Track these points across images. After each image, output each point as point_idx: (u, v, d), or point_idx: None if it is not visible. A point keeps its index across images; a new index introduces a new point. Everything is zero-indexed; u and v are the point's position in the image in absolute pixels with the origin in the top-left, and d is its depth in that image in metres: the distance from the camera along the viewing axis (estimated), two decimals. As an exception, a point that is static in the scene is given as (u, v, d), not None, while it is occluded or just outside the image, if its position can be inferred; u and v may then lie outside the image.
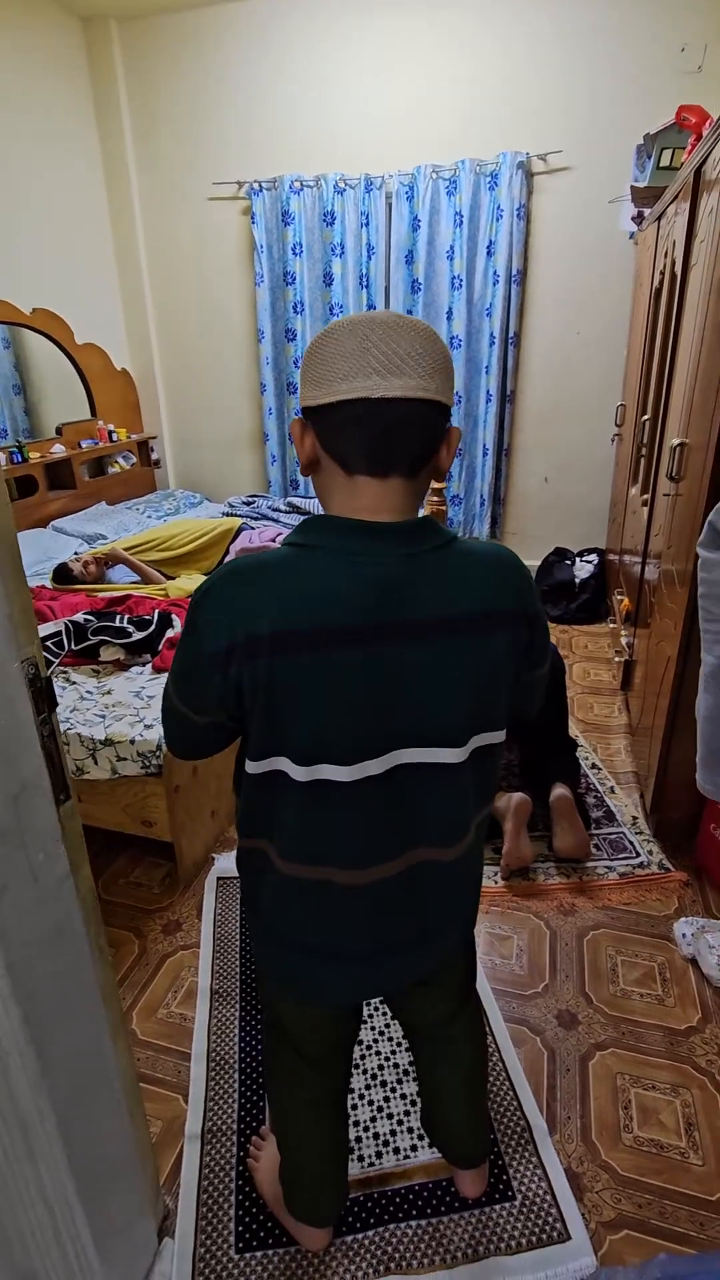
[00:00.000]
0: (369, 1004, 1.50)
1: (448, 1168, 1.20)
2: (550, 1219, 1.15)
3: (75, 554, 3.15)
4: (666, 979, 1.58)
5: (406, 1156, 1.25)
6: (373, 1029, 1.47)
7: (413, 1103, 1.33)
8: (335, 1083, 1.04)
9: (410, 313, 2.97)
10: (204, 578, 1.22)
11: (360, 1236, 1.14)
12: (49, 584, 2.83)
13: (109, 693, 1.96)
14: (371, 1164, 1.24)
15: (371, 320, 0.68)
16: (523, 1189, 1.20)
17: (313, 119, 3.47)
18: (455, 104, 3.29)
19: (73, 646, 2.12)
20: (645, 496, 2.39)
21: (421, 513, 0.77)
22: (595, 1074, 1.39)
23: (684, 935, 1.64)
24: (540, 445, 3.76)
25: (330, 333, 0.69)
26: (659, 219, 2.43)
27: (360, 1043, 1.44)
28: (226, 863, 1.93)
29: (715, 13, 2.87)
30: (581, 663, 3.10)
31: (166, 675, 0.83)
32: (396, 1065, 1.40)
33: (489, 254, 3.43)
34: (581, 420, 3.63)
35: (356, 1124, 1.30)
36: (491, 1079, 1.36)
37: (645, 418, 2.44)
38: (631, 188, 2.85)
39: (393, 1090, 1.36)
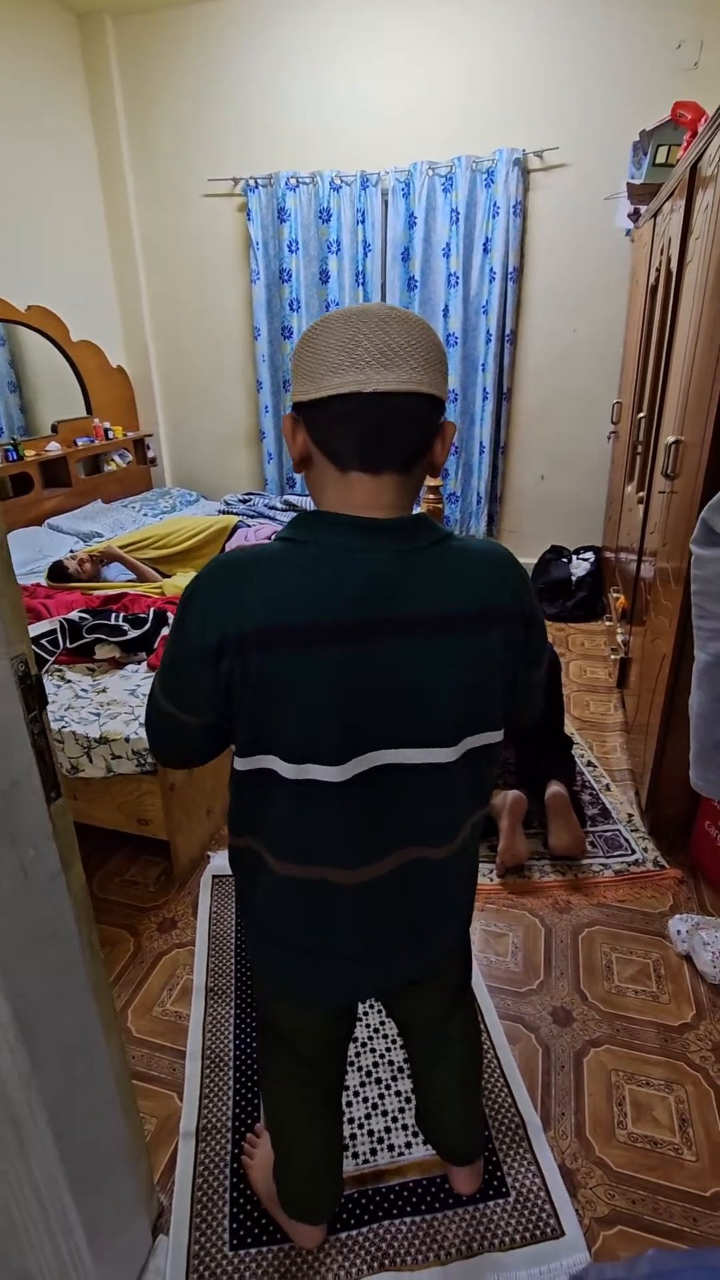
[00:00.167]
0: (364, 1002, 1.50)
1: (442, 1164, 1.21)
2: (544, 1215, 1.16)
3: (71, 552, 3.15)
4: (661, 976, 1.59)
5: (401, 1153, 1.25)
6: (367, 1026, 1.47)
7: (407, 1100, 1.33)
8: (330, 1081, 1.04)
9: (406, 310, 2.96)
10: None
11: (354, 1233, 1.14)
12: (44, 582, 2.82)
13: (104, 691, 1.95)
14: (366, 1161, 1.24)
15: (363, 312, 0.67)
16: (517, 1185, 1.20)
17: (308, 115, 3.46)
18: (451, 100, 3.29)
19: (68, 645, 2.12)
20: (641, 494, 2.39)
21: (417, 510, 0.76)
22: (589, 1070, 1.39)
23: (678, 932, 1.65)
24: (537, 443, 3.76)
25: (321, 326, 0.68)
26: (655, 216, 2.43)
27: (355, 1040, 1.44)
28: (222, 860, 1.93)
29: (711, 9, 2.87)
30: (578, 660, 3.11)
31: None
32: (391, 1062, 1.40)
33: (485, 251, 3.43)
34: (578, 418, 3.63)
35: (351, 1121, 1.30)
36: (486, 1076, 1.36)
37: (641, 415, 2.44)
38: (628, 184, 2.85)
39: (387, 1087, 1.36)
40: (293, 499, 3.79)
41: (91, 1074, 0.90)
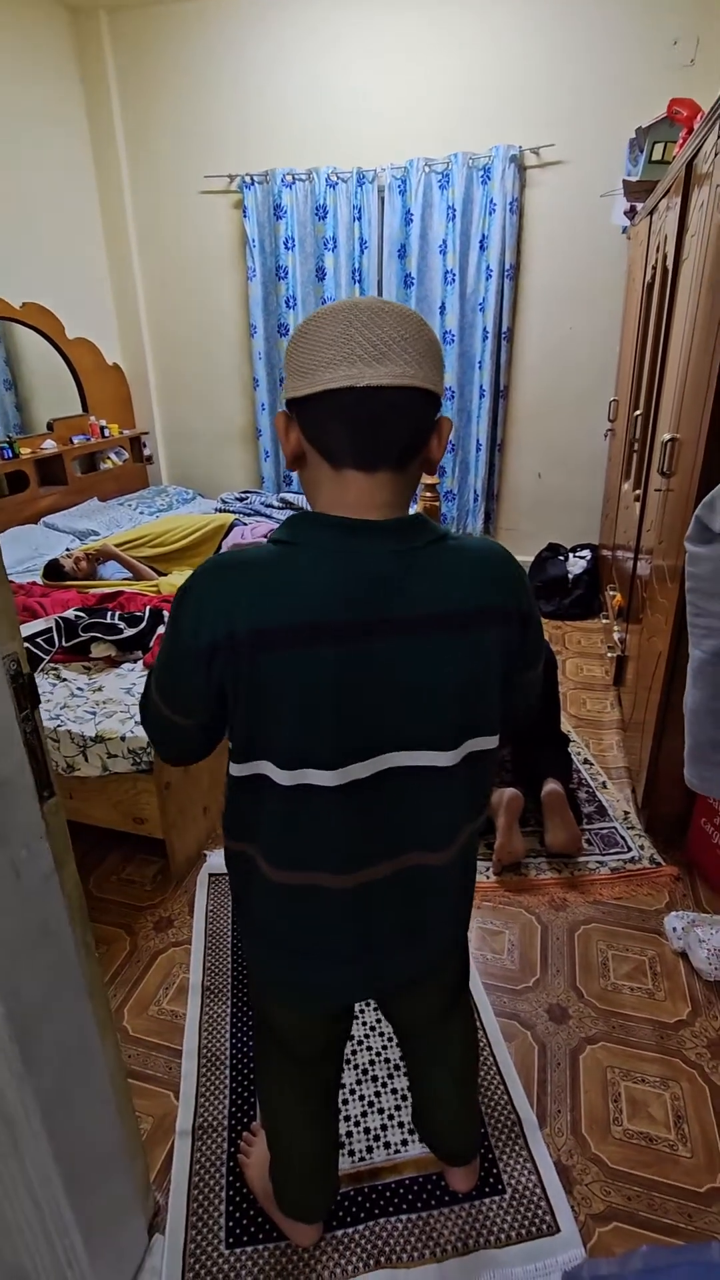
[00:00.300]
0: (360, 1003, 1.50)
1: (438, 1162, 1.21)
2: (540, 1212, 1.16)
3: (67, 550, 3.14)
4: (657, 973, 1.59)
5: (397, 1151, 1.25)
6: (364, 1024, 1.48)
7: (403, 1098, 1.33)
8: (326, 1082, 1.03)
9: (403, 307, 2.96)
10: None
11: (350, 1231, 1.14)
12: (40, 580, 2.81)
13: (100, 689, 1.95)
14: (362, 1159, 1.24)
15: (354, 306, 0.66)
16: (513, 1182, 1.20)
17: (305, 111, 3.45)
18: (448, 97, 3.28)
19: (64, 643, 2.11)
20: (637, 492, 2.39)
21: (414, 508, 0.75)
22: (585, 1067, 1.39)
23: (674, 929, 1.65)
24: (534, 440, 3.76)
25: (313, 321, 0.67)
26: (651, 213, 2.43)
27: (351, 1038, 1.44)
28: (218, 859, 1.93)
29: (707, 6, 2.87)
30: (574, 658, 3.11)
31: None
32: (387, 1060, 1.40)
33: (482, 248, 3.42)
34: (575, 415, 3.63)
35: (347, 1119, 1.30)
36: (482, 1073, 1.37)
37: (637, 413, 2.44)
38: (624, 181, 2.85)
39: (383, 1085, 1.36)
40: (289, 497, 3.79)
41: (86, 1073, 0.90)
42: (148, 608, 2.28)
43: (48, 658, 2.08)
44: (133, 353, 4.09)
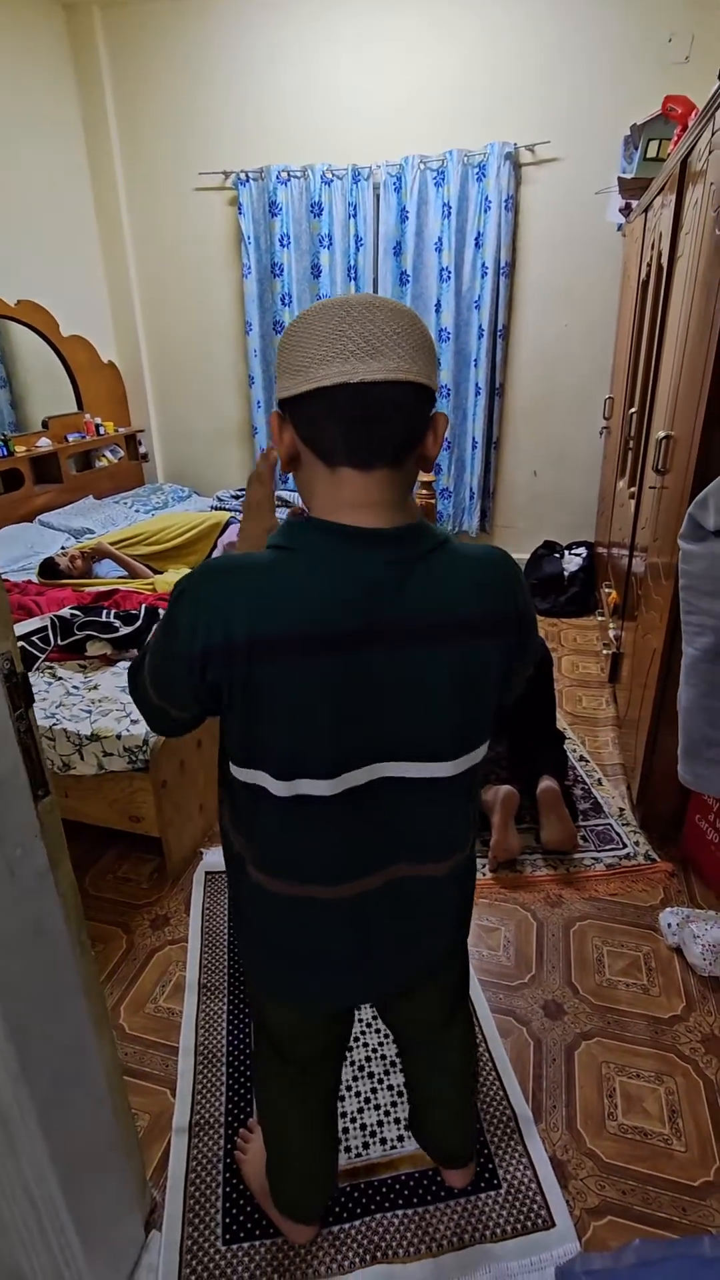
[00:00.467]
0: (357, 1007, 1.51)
1: (434, 1159, 1.21)
2: (535, 1206, 1.17)
3: (62, 549, 3.13)
4: (652, 968, 1.60)
5: (393, 1147, 1.26)
6: (360, 1020, 1.48)
7: (399, 1094, 1.34)
8: (324, 1088, 1.02)
9: (398, 305, 2.95)
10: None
11: (347, 1226, 1.14)
12: (35, 579, 2.81)
13: (95, 688, 1.95)
14: (359, 1155, 1.24)
15: (345, 302, 0.65)
16: (508, 1177, 1.21)
17: (299, 108, 3.44)
18: (443, 94, 3.27)
19: (59, 642, 2.11)
20: (632, 489, 2.40)
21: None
22: (580, 1063, 1.40)
23: (669, 925, 1.66)
24: (529, 438, 3.76)
25: (304, 318, 0.66)
26: (646, 211, 2.43)
27: (348, 1035, 1.44)
28: (215, 857, 1.93)
29: (702, 3, 2.86)
30: (570, 656, 3.11)
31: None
32: (384, 1057, 1.41)
33: (477, 246, 3.42)
34: (570, 413, 3.64)
35: (344, 1115, 1.30)
36: (478, 1069, 1.37)
37: (632, 410, 2.44)
38: (619, 179, 2.84)
39: (380, 1081, 1.36)
40: (285, 495, 3.78)
41: (82, 1071, 0.90)
42: (143, 606, 2.28)
43: (43, 656, 2.08)
44: (128, 350, 4.08)
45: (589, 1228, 1.15)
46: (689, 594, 1.30)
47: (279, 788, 0.71)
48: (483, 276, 3.43)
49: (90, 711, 1.82)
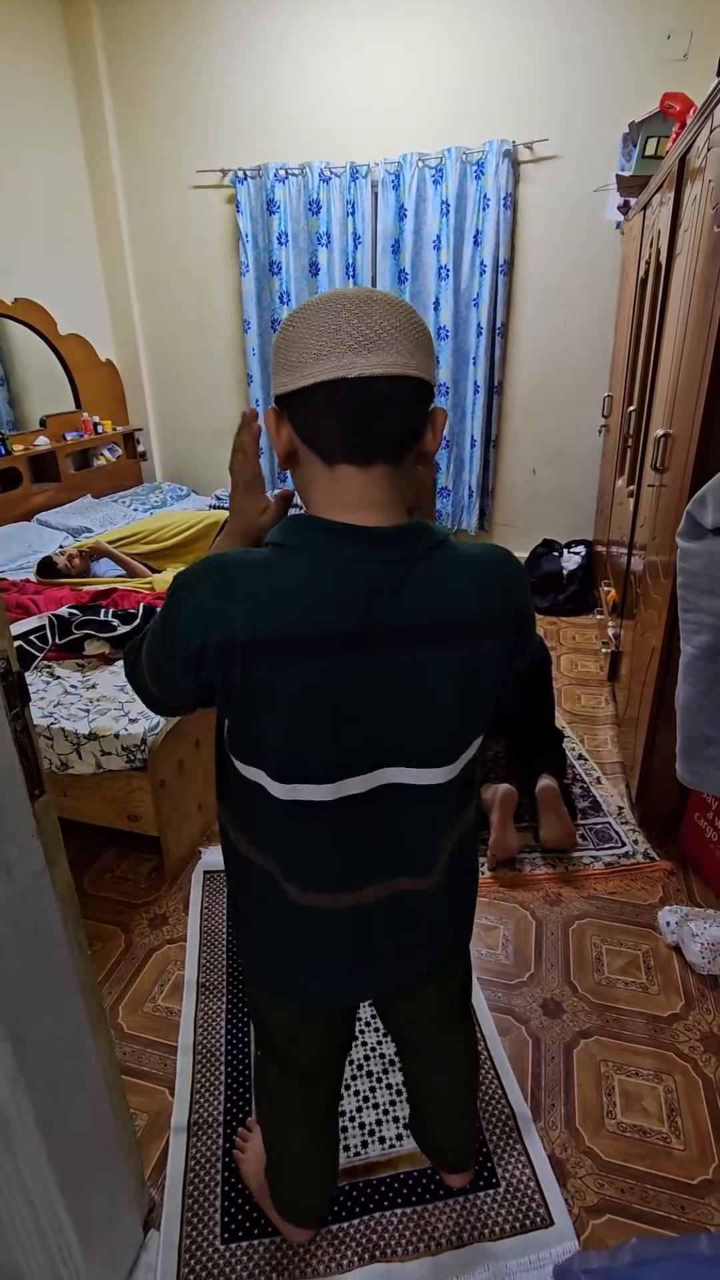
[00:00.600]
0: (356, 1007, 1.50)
1: (433, 1158, 1.21)
2: (534, 1205, 1.17)
3: (60, 548, 3.13)
4: (650, 967, 1.60)
5: (392, 1146, 1.26)
6: (358, 1019, 1.48)
7: (398, 1092, 1.34)
8: (326, 1098, 1.01)
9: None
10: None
11: (346, 1225, 1.14)
12: (33, 578, 2.80)
13: (94, 687, 1.94)
14: (357, 1154, 1.24)
15: (341, 297, 0.64)
16: (507, 1176, 1.21)
17: (298, 106, 3.43)
18: (441, 92, 3.26)
19: (57, 640, 2.10)
20: (631, 488, 2.40)
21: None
22: (579, 1061, 1.40)
23: (668, 923, 1.66)
24: (528, 436, 3.75)
25: (300, 313, 0.65)
26: (644, 208, 2.43)
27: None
28: (213, 856, 1.93)
29: (700, 1, 2.86)
30: (569, 654, 3.11)
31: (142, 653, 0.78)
32: (382, 1056, 1.41)
33: (476, 243, 3.41)
34: (569, 411, 3.63)
35: (343, 1114, 1.30)
36: (477, 1068, 1.37)
37: (631, 408, 2.44)
38: (617, 176, 2.83)
39: (378, 1080, 1.36)
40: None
41: (79, 1071, 0.90)
42: (141, 605, 2.28)
43: (41, 655, 2.08)
44: (126, 349, 4.07)
45: (588, 1226, 1.15)
46: (687, 592, 1.30)
47: (279, 790, 0.70)
48: (481, 274, 3.43)
49: (88, 711, 1.81)
